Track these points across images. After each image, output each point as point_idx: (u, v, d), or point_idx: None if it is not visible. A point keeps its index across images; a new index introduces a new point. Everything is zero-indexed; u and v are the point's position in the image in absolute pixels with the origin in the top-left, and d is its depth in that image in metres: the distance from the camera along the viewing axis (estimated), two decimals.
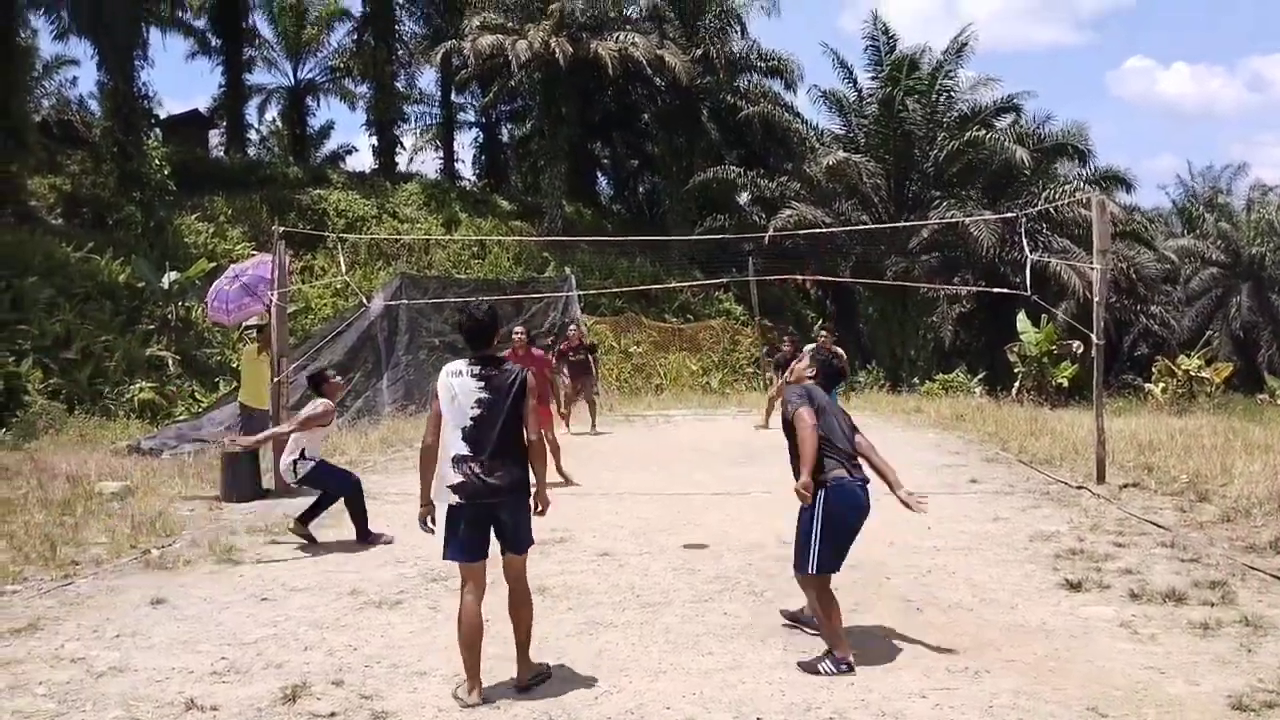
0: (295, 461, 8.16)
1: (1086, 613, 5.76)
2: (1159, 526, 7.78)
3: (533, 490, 4.79)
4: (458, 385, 4.67)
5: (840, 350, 12.94)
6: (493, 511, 4.64)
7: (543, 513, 4.83)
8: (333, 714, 4.43)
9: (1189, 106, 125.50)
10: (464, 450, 4.60)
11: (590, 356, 15.79)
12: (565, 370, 15.22)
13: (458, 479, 4.59)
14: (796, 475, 5.03)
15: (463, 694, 4.57)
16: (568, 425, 15.19)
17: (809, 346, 11.37)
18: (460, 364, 4.77)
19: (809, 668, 4.90)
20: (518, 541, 4.72)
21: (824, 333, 16.29)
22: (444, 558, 4.76)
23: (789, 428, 5.09)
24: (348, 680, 4.82)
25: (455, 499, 4.61)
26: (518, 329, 11.46)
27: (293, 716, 4.43)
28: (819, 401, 5.10)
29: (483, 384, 4.66)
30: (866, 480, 5.15)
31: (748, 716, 4.35)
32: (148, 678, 4.94)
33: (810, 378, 5.32)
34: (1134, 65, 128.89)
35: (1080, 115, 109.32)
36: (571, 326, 15.28)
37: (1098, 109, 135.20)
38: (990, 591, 6.26)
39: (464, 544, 4.63)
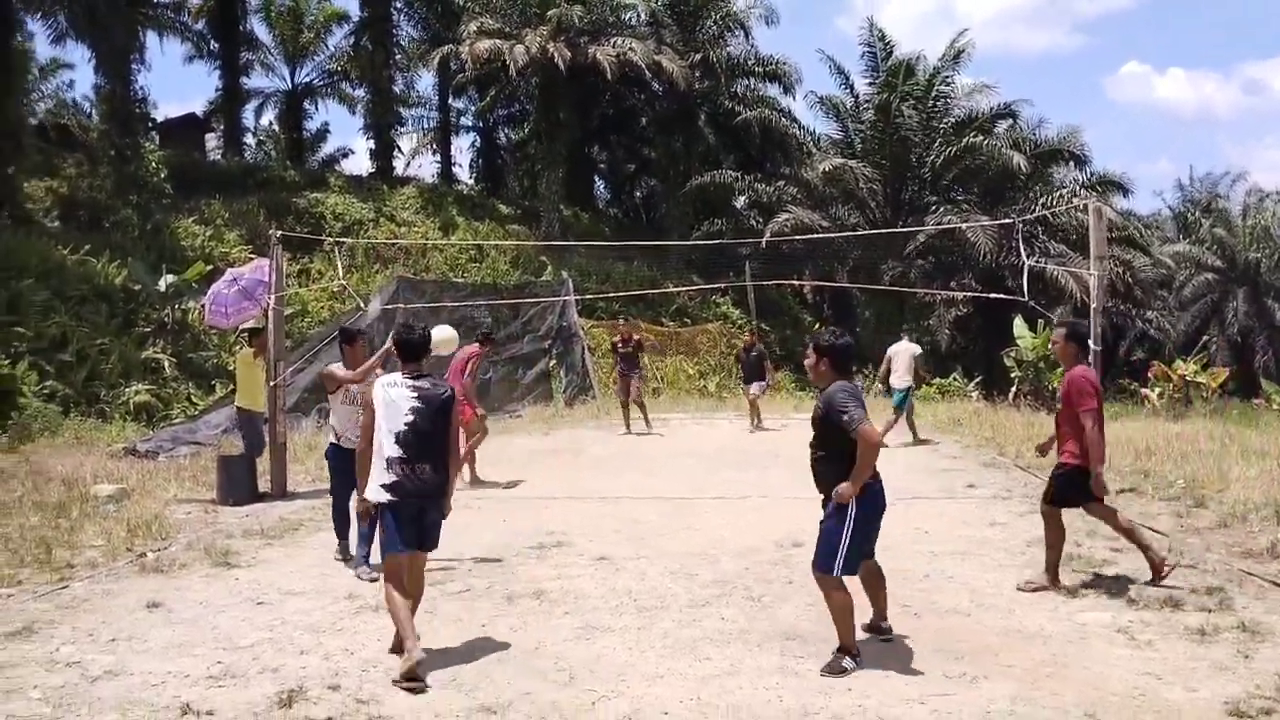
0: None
1: (1084, 618, 5.76)
2: (1156, 532, 7.77)
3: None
4: (394, 395, 5.19)
5: (762, 348, 14.34)
6: (422, 507, 5.17)
7: (445, 517, 5.39)
8: (329, 718, 4.42)
9: (1186, 111, 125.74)
10: (397, 453, 5.10)
11: (639, 352, 16.40)
12: (618, 363, 16.13)
13: (392, 479, 5.08)
14: (823, 474, 5.10)
15: (413, 651, 4.82)
16: (628, 426, 15.64)
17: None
18: (395, 376, 5.32)
19: (833, 669, 4.91)
20: (434, 540, 5.31)
21: (748, 334, 18.10)
22: (384, 552, 5.18)
23: (831, 429, 4.98)
24: (344, 684, 4.81)
25: (390, 497, 5.09)
26: None
27: None
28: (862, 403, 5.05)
29: (416, 394, 5.20)
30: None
31: None
32: (143, 681, 4.92)
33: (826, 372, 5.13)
34: (1131, 70, 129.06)
35: (1077, 120, 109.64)
36: (622, 320, 16.04)
37: (1095, 114, 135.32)
38: (987, 597, 6.25)
39: (403, 538, 5.12)
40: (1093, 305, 9.53)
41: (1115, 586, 6.33)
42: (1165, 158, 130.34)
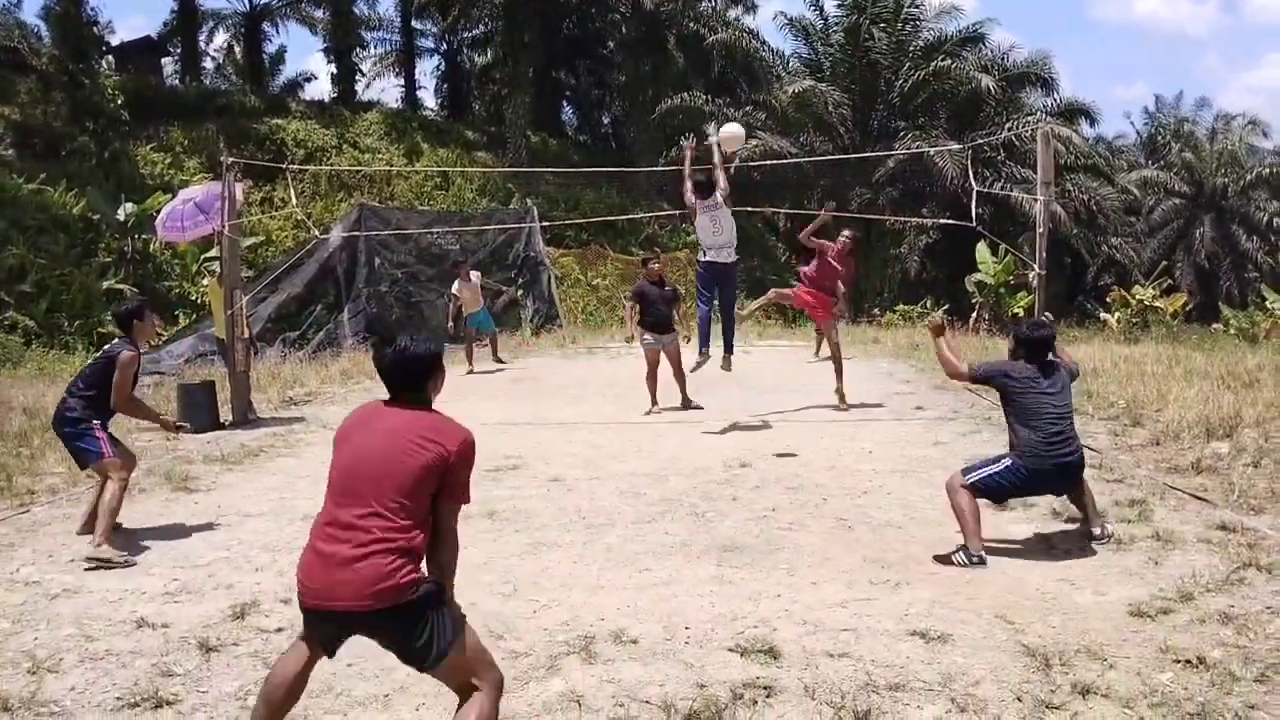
0: None
1: (1009, 530, 6.04)
2: (1090, 450, 8.05)
3: None
4: None
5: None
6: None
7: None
8: (279, 629, 4.61)
9: (1163, 30, 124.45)
10: None
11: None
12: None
13: None
14: None
15: None
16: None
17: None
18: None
19: (943, 559, 5.48)
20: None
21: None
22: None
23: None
24: (295, 598, 4.98)
25: None
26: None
27: (241, 632, 4.60)
28: None
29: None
30: None
31: (677, 626, 4.57)
32: (101, 599, 5.09)
33: None
34: None
35: (1054, 43, 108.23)
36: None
37: (1074, 34, 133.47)
38: (921, 511, 6.52)
39: None
40: (1038, 230, 9.70)
41: (1043, 500, 6.58)
42: (1141, 80, 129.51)
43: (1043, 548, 5.70)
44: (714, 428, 9.68)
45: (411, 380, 3.41)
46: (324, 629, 3.31)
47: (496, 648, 4.36)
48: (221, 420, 10.11)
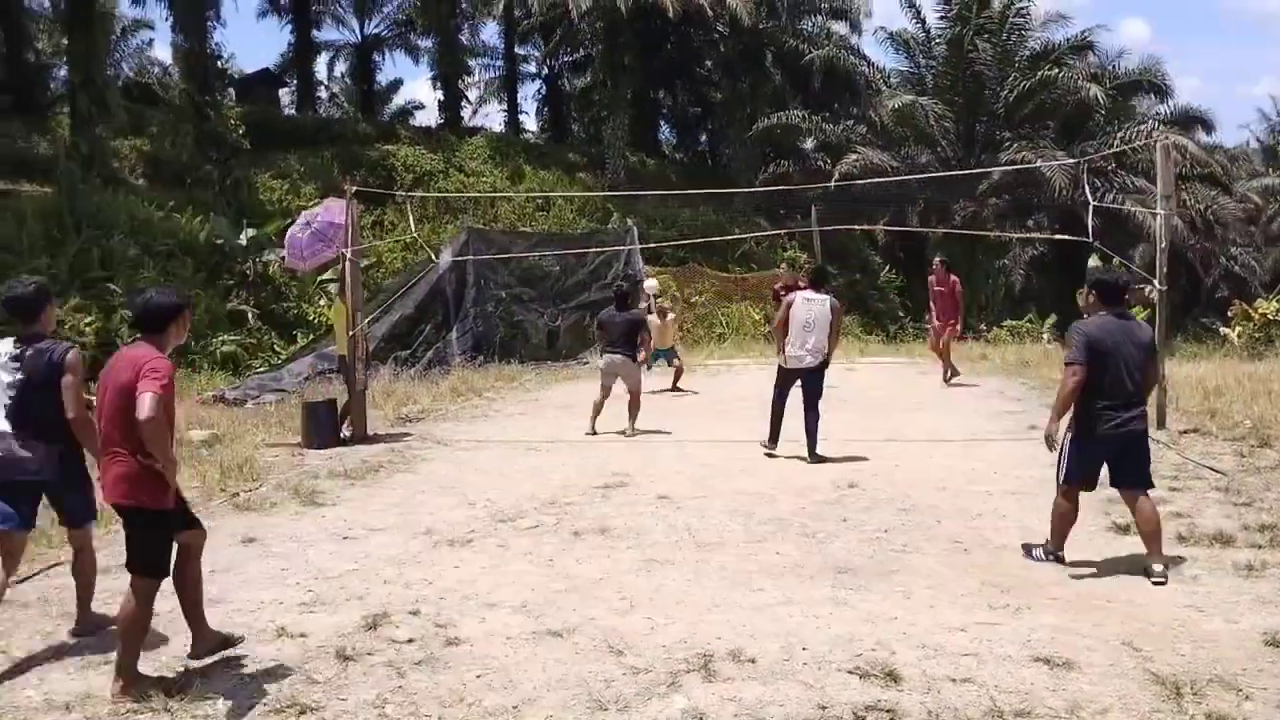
0: None
1: (1133, 555, 5.89)
2: (1216, 471, 7.80)
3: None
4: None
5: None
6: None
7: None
8: (410, 640, 4.82)
9: None
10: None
11: None
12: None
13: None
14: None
15: None
16: None
17: None
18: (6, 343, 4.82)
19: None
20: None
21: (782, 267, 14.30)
22: None
23: None
24: (424, 610, 5.21)
25: None
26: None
27: (374, 642, 4.82)
28: None
29: (18, 364, 4.75)
30: None
31: (794, 647, 4.62)
32: (242, 608, 5.39)
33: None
34: None
35: (1181, 36, 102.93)
36: (783, 265, 13.84)
37: (1206, 26, 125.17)
38: (1039, 535, 6.38)
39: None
40: (1159, 245, 9.44)
41: (1168, 525, 6.39)
42: (1268, 76, 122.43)
43: (1170, 573, 5.54)
44: (820, 448, 9.65)
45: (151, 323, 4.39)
46: None
47: (616, 663, 4.49)
48: (343, 436, 10.53)
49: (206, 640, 4.62)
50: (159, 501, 4.23)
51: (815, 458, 9.02)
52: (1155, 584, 5.36)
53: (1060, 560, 5.73)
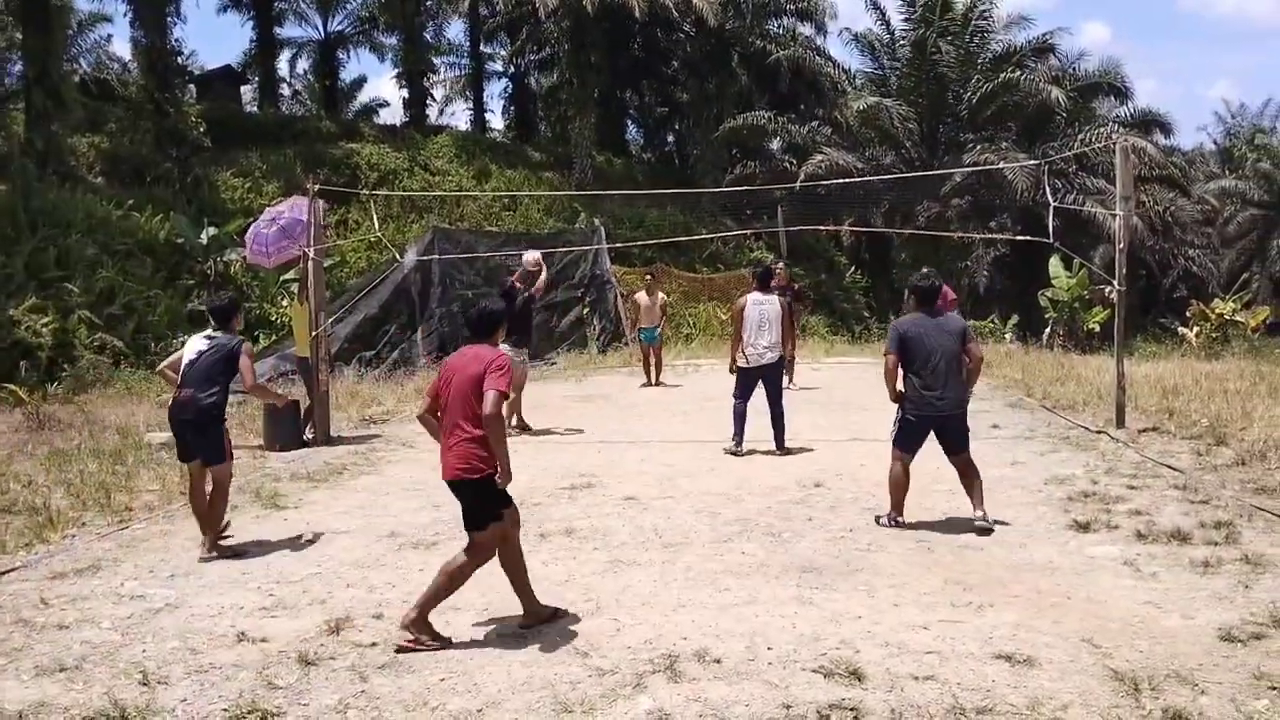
0: None
1: (1092, 552, 5.97)
2: (1173, 469, 7.93)
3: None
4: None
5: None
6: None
7: None
8: (374, 644, 4.77)
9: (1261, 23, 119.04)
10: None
11: (795, 301, 13.80)
12: None
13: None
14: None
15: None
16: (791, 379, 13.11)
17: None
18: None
19: (876, 520, 6.76)
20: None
21: (780, 266, 14.44)
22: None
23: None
24: (387, 614, 5.16)
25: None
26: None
27: (337, 646, 4.77)
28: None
29: (209, 345, 6.45)
30: None
31: (759, 646, 4.62)
32: (202, 613, 5.31)
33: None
34: None
35: (1140, 37, 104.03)
36: (780, 264, 13.79)
37: (1165, 29, 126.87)
38: (1001, 533, 6.48)
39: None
40: (1118, 246, 9.57)
41: (1127, 522, 6.52)
42: (1225, 79, 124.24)
43: (1127, 570, 5.62)
44: (792, 446, 9.70)
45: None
46: None
47: (581, 665, 4.47)
48: (305, 438, 10.42)
49: (538, 613, 5.01)
50: (488, 474, 4.77)
51: (783, 450, 9.41)
52: (980, 531, 6.42)
53: (900, 525, 6.61)
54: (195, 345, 6.44)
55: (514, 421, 10.84)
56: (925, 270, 7.95)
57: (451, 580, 4.86)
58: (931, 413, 6.53)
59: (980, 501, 6.60)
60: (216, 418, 6.39)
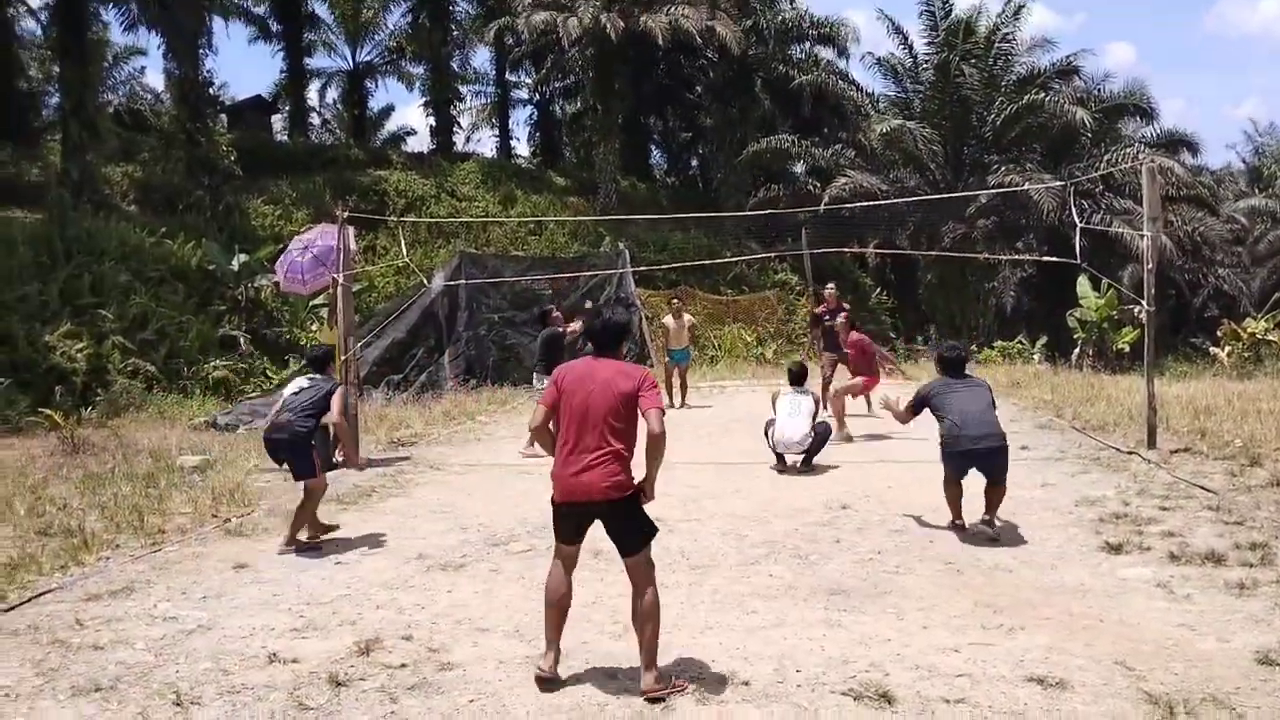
0: None
1: (1124, 574, 5.91)
2: (1206, 490, 7.84)
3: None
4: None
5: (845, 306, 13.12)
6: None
7: None
8: (403, 665, 4.80)
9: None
10: None
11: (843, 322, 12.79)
12: (819, 336, 13.64)
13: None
14: None
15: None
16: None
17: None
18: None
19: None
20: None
21: (829, 290, 14.27)
22: None
23: None
24: (416, 635, 5.19)
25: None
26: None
27: (366, 667, 4.80)
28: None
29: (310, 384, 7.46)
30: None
31: (787, 669, 4.61)
32: (234, 634, 5.36)
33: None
34: None
35: (1171, 58, 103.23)
36: (829, 287, 13.82)
37: (1192, 50, 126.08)
38: (1031, 554, 6.43)
39: None
40: (1146, 266, 9.50)
41: (1160, 544, 6.44)
42: (1254, 95, 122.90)
43: (1161, 593, 5.56)
44: (819, 467, 9.67)
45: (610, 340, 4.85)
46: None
47: (609, 686, 4.48)
48: (335, 461, 10.49)
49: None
50: (633, 491, 4.71)
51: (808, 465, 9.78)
52: (987, 535, 6.81)
53: (962, 529, 7.01)
54: (298, 383, 7.62)
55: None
56: (951, 343, 8.84)
57: (653, 622, 4.54)
58: (975, 449, 6.96)
59: (994, 510, 7.00)
60: (308, 440, 7.26)
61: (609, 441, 4.60)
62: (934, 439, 7.21)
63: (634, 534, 4.71)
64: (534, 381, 12.37)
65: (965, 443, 6.91)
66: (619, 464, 4.61)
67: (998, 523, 6.97)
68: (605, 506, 4.66)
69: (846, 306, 13.56)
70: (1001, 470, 6.98)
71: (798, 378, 10.13)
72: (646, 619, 4.55)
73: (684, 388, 15.47)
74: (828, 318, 13.06)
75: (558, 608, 4.70)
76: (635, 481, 4.69)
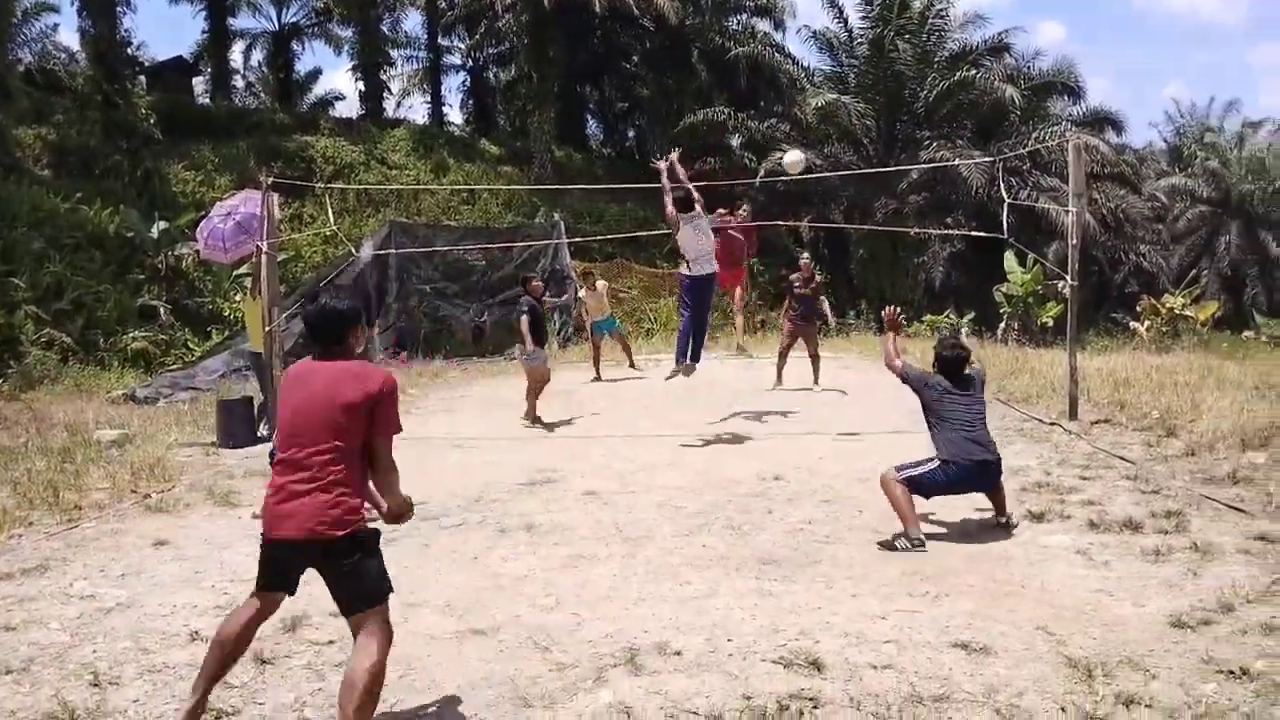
0: None
1: (1046, 541, 6.06)
2: (1125, 460, 8.07)
3: None
4: None
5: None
6: None
7: None
8: (330, 641, 4.72)
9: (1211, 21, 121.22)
10: None
11: (814, 297, 13.34)
12: (792, 307, 13.32)
13: None
14: None
15: None
16: (780, 379, 13.15)
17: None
18: None
19: (886, 545, 6.05)
20: None
21: (804, 259, 14.09)
22: None
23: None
24: None
25: None
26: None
27: (293, 644, 4.71)
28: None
29: None
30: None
31: (719, 638, 4.64)
32: (154, 613, 5.21)
33: None
34: None
35: (1099, 36, 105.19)
36: (804, 256, 13.93)
37: (1118, 28, 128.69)
38: (955, 525, 6.55)
39: None
40: (1071, 242, 9.71)
41: (1080, 512, 6.62)
42: (1177, 78, 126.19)
43: (1080, 560, 5.72)
44: (746, 442, 9.74)
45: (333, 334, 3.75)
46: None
47: (542, 660, 4.45)
48: (259, 435, 10.27)
49: None
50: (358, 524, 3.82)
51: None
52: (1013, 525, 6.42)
53: (923, 545, 6.00)
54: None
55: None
56: (951, 339, 7.61)
57: (368, 699, 3.53)
58: (979, 457, 6.31)
59: (1003, 507, 6.52)
60: None
61: (326, 464, 3.58)
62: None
63: (354, 591, 3.68)
64: (517, 352, 12.58)
65: (960, 465, 6.28)
66: (338, 492, 3.59)
67: (1011, 513, 6.53)
68: (317, 548, 3.63)
69: (818, 280, 13.81)
70: (996, 479, 6.48)
71: (686, 203, 10.33)
72: (355, 689, 3.43)
73: (627, 349, 15.64)
74: (800, 286, 13.27)
75: (221, 648, 3.78)
76: (364, 516, 3.70)
